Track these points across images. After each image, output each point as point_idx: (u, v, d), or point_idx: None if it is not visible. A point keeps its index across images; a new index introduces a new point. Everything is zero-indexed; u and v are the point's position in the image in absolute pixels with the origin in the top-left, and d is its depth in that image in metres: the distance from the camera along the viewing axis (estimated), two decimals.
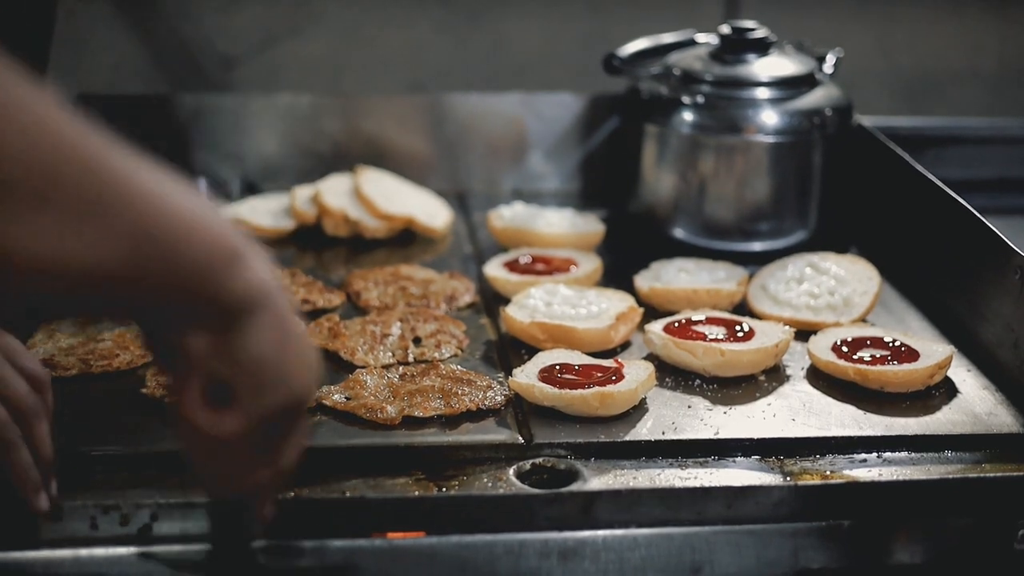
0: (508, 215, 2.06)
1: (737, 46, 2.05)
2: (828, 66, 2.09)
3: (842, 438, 1.48)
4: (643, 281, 1.85)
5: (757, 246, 2.03)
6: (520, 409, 1.51)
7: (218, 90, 2.38)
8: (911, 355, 1.62)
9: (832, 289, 1.81)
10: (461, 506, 1.35)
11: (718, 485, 1.38)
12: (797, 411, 1.55)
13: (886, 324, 1.80)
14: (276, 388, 1.06)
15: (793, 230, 2.05)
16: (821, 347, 1.65)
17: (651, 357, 1.66)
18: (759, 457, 1.45)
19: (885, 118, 2.24)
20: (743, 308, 1.82)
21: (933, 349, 1.63)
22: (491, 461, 1.42)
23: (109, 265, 0.92)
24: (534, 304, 1.72)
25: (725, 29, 2.06)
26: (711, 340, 1.63)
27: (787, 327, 1.68)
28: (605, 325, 1.67)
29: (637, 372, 1.54)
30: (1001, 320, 1.65)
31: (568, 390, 1.49)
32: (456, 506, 1.35)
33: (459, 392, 1.52)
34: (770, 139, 2.00)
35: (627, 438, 1.46)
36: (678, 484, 1.38)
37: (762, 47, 2.05)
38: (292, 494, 1.32)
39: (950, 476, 1.43)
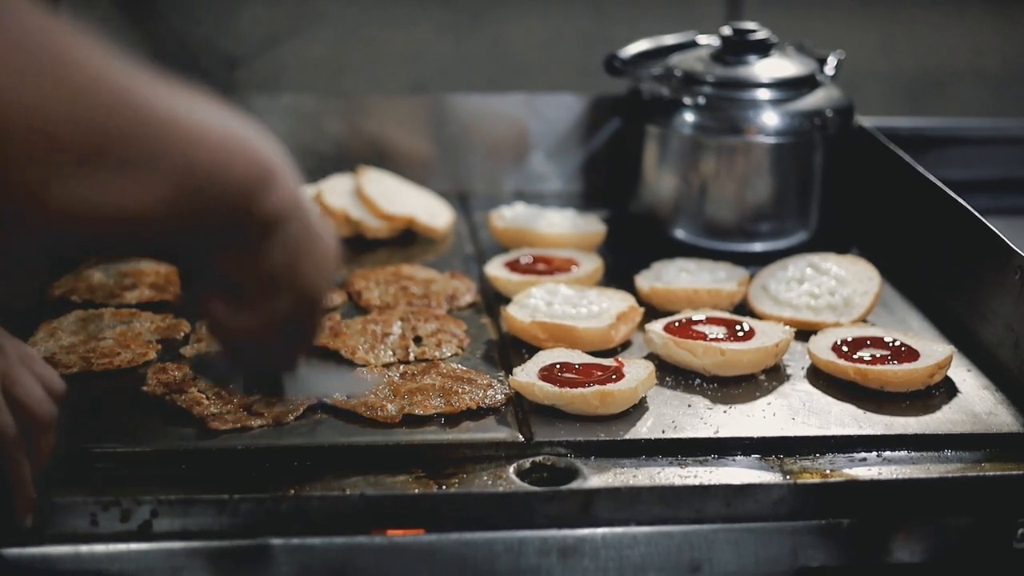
0: (509, 215, 2.06)
1: (738, 47, 2.05)
2: (829, 67, 2.09)
3: (842, 437, 1.49)
4: (644, 281, 1.85)
5: (758, 247, 2.03)
6: (520, 408, 1.52)
7: (220, 90, 2.38)
8: (911, 355, 1.62)
9: (832, 289, 1.81)
10: (461, 504, 1.35)
11: (718, 483, 1.38)
12: (797, 410, 1.55)
13: (887, 324, 1.80)
14: (289, 292, 1.12)
15: (794, 231, 2.05)
16: (821, 347, 1.65)
17: (651, 356, 1.67)
18: (759, 456, 1.45)
19: (886, 119, 2.24)
20: (744, 308, 1.83)
21: (933, 349, 1.63)
22: (491, 459, 1.42)
23: (158, 205, 0.95)
24: (535, 303, 1.72)
25: (726, 30, 2.06)
26: (711, 340, 1.63)
27: (787, 327, 1.68)
28: (606, 324, 1.68)
29: (637, 371, 1.55)
30: (1001, 320, 1.65)
31: (568, 389, 1.49)
32: (456, 504, 1.35)
33: (459, 391, 1.52)
34: (771, 140, 2.00)
35: (627, 436, 1.46)
36: (678, 482, 1.39)
37: (763, 48, 2.05)
38: (292, 492, 1.33)
39: (950, 475, 1.43)
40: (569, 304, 1.73)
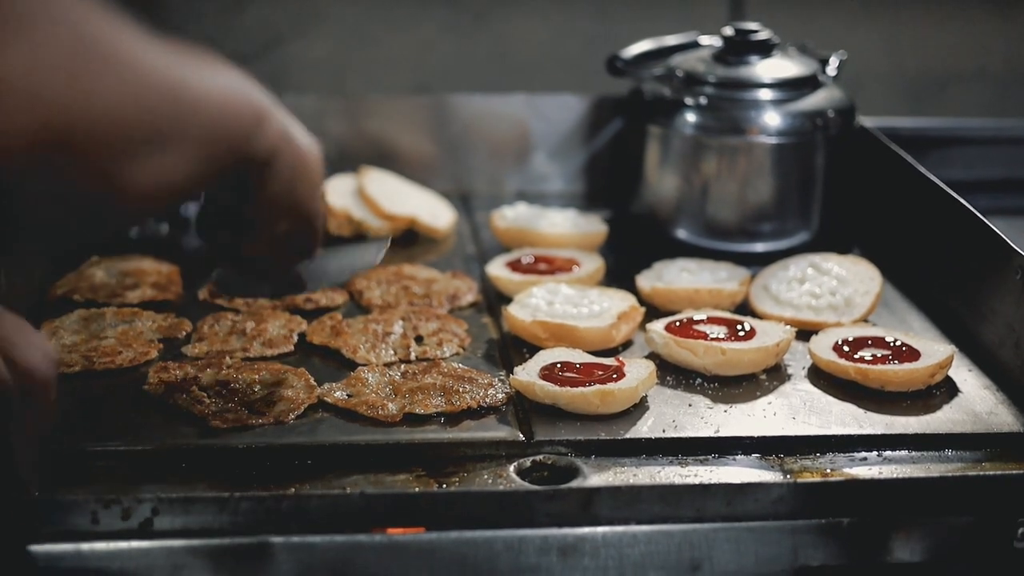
0: (511, 215, 2.07)
1: (740, 48, 2.05)
2: (831, 68, 2.09)
3: (842, 436, 1.49)
4: (645, 281, 1.85)
5: (760, 247, 2.03)
6: (521, 407, 1.52)
7: None
8: (912, 354, 1.62)
9: (834, 289, 1.81)
10: (461, 502, 1.35)
11: (718, 482, 1.38)
12: (798, 409, 1.55)
13: (888, 324, 1.80)
14: (288, 215, 1.23)
15: (796, 231, 2.05)
16: (822, 346, 1.65)
17: (652, 356, 1.67)
18: (759, 455, 1.45)
19: (887, 119, 2.24)
20: (745, 308, 1.83)
21: (934, 349, 1.63)
22: (491, 458, 1.42)
23: (197, 169, 1.06)
24: (536, 303, 1.72)
25: (728, 31, 2.06)
26: (712, 339, 1.63)
27: (788, 327, 1.68)
28: (607, 324, 1.68)
29: (638, 370, 1.55)
30: (1002, 320, 1.65)
31: (569, 388, 1.50)
32: (456, 502, 1.35)
33: (460, 390, 1.52)
34: (773, 140, 2.00)
35: (627, 436, 1.46)
36: (678, 481, 1.39)
37: (765, 49, 2.05)
38: (293, 490, 1.33)
39: (950, 475, 1.43)
40: (570, 304, 1.73)
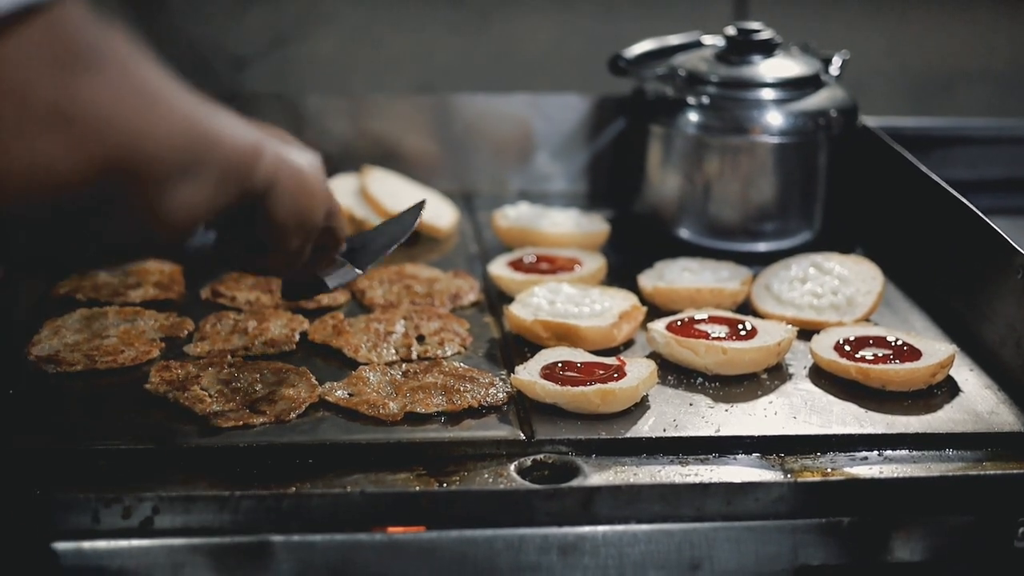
0: (513, 215, 2.07)
1: (743, 47, 2.05)
2: (834, 67, 2.09)
3: (843, 436, 1.49)
4: (647, 280, 1.85)
5: (762, 247, 2.04)
6: (522, 406, 1.52)
7: (227, 90, 2.39)
8: (913, 354, 1.62)
9: (835, 289, 1.81)
10: (462, 501, 1.36)
11: (718, 482, 1.39)
12: (799, 409, 1.55)
13: (890, 324, 1.80)
14: (297, 233, 1.30)
15: (798, 231, 2.05)
16: (824, 346, 1.65)
17: (654, 355, 1.67)
18: (760, 454, 1.46)
19: (890, 119, 2.24)
20: (746, 308, 1.83)
21: (935, 348, 1.63)
22: (492, 457, 1.43)
23: (214, 200, 1.15)
24: (538, 302, 1.72)
25: (731, 30, 2.06)
26: (714, 339, 1.64)
27: (789, 326, 1.68)
28: (608, 323, 1.68)
29: (639, 370, 1.55)
30: (1004, 320, 1.65)
31: (570, 387, 1.50)
32: (457, 501, 1.35)
33: (461, 389, 1.52)
34: (775, 140, 2.00)
35: (628, 435, 1.47)
36: (678, 480, 1.39)
37: (767, 48, 2.05)
38: (293, 489, 1.33)
39: (951, 474, 1.43)
40: (572, 303, 1.73)
